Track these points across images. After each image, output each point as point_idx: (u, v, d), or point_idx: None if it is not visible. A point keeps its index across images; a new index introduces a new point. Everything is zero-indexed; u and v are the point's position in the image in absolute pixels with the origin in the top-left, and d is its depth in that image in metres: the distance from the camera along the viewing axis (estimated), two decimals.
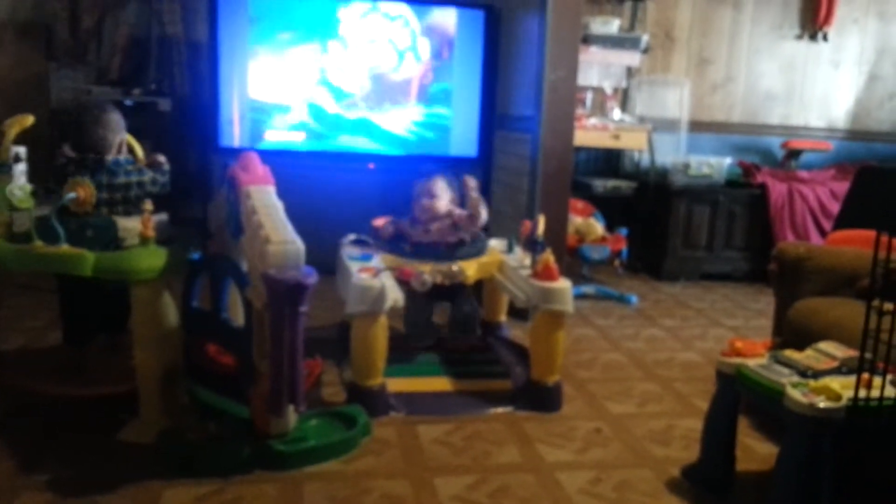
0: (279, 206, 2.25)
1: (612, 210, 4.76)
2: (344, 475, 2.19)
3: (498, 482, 2.19)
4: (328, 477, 2.17)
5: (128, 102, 4.21)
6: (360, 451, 2.33)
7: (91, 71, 4.52)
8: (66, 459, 2.20)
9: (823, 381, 1.87)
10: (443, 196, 3.04)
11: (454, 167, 3.59)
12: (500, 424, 2.59)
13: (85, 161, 2.48)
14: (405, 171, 3.29)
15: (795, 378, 1.92)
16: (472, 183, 3.05)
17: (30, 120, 2.39)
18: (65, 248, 2.22)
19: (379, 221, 3.11)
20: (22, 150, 2.43)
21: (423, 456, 2.34)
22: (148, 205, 2.32)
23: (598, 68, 5.00)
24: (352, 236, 3.14)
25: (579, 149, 4.75)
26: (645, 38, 4.92)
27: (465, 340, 3.21)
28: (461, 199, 3.09)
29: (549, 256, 2.75)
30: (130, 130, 2.68)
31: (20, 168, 2.38)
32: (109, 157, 2.44)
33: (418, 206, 3.03)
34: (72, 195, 2.31)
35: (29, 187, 2.36)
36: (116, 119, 2.56)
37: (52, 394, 2.44)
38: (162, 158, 2.69)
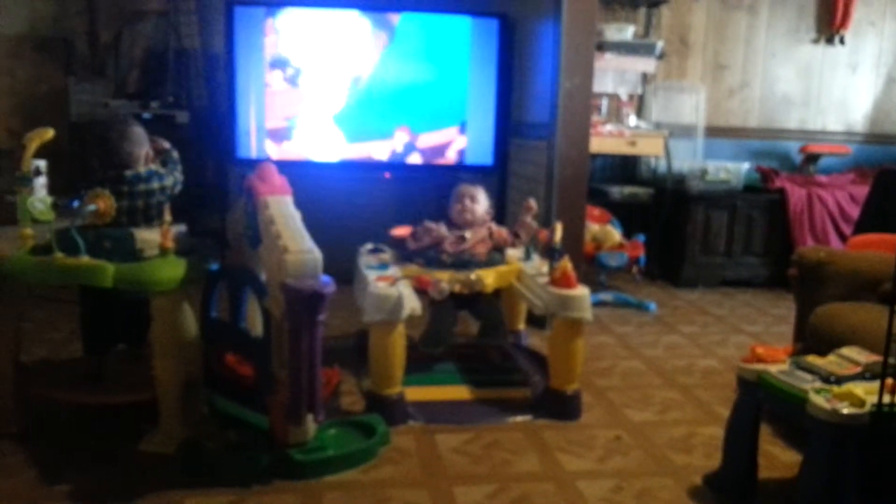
0: (297, 215, 2.27)
1: (629, 217, 4.74)
2: (363, 484, 2.19)
3: (518, 491, 2.18)
4: (347, 486, 2.17)
5: (146, 115, 4.25)
6: (378, 461, 2.33)
7: (109, 84, 4.57)
8: (86, 470, 2.21)
9: (847, 386, 1.84)
10: (482, 202, 3.08)
11: (470, 175, 3.60)
12: (520, 433, 2.58)
13: (107, 176, 2.48)
14: (421, 180, 3.30)
15: (818, 384, 1.90)
16: (533, 207, 3.07)
17: (50, 133, 2.41)
18: (85, 259, 2.23)
19: (397, 230, 3.12)
20: (42, 164, 2.46)
21: (441, 465, 2.33)
22: (167, 216, 2.34)
23: (613, 75, 5.00)
24: (369, 245, 3.15)
25: (595, 156, 4.73)
26: (660, 45, 4.92)
27: (495, 345, 3.20)
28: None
29: (566, 264, 2.74)
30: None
31: (41, 181, 2.41)
32: (129, 173, 2.44)
33: (456, 209, 3.05)
34: (91, 207, 2.31)
35: (49, 200, 2.39)
36: (140, 132, 2.55)
37: (73, 402, 2.46)
38: (167, 144, 2.66)
